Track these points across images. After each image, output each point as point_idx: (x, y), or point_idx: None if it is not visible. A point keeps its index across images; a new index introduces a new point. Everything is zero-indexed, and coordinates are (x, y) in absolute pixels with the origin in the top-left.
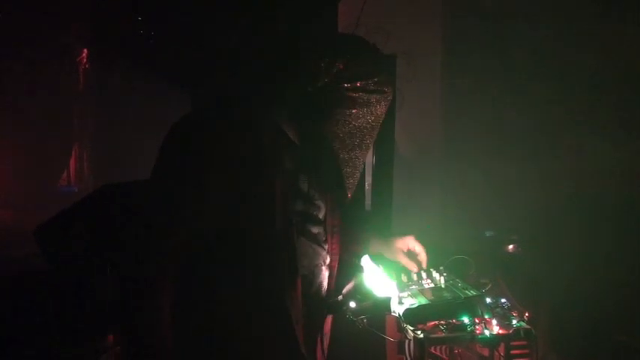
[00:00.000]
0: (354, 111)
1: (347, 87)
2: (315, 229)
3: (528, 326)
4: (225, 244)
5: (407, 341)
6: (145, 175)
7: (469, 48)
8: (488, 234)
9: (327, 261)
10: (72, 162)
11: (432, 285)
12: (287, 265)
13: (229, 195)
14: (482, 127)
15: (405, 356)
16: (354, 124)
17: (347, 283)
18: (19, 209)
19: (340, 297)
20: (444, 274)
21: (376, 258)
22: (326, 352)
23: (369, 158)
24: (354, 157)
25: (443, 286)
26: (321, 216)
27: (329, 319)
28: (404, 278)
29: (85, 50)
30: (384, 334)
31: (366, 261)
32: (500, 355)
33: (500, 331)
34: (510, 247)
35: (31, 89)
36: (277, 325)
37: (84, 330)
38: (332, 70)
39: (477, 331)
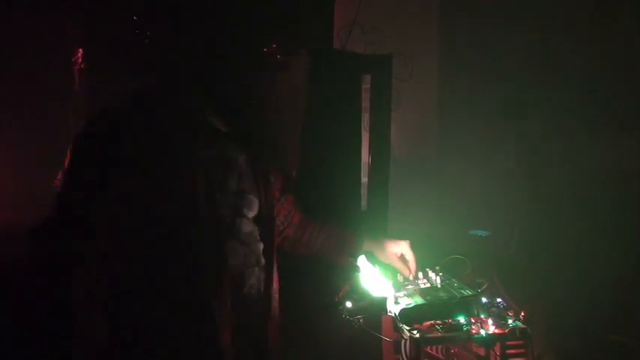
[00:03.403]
0: (274, 74)
1: (265, 51)
2: (246, 227)
3: (524, 326)
4: (147, 245)
5: (403, 341)
6: None
7: (466, 48)
8: (480, 233)
9: (263, 262)
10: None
11: (428, 285)
12: (213, 266)
13: (147, 195)
14: (478, 127)
15: (401, 356)
16: (278, 89)
17: (343, 283)
18: (16, 209)
19: (337, 297)
20: (440, 273)
21: (371, 257)
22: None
23: (365, 158)
24: (285, 125)
25: (439, 285)
26: (252, 213)
27: (272, 326)
28: (400, 278)
29: (81, 50)
30: (380, 334)
31: (362, 261)
32: (496, 354)
33: (496, 331)
34: (507, 246)
35: (28, 89)
36: (200, 330)
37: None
38: (245, 34)
39: (473, 331)
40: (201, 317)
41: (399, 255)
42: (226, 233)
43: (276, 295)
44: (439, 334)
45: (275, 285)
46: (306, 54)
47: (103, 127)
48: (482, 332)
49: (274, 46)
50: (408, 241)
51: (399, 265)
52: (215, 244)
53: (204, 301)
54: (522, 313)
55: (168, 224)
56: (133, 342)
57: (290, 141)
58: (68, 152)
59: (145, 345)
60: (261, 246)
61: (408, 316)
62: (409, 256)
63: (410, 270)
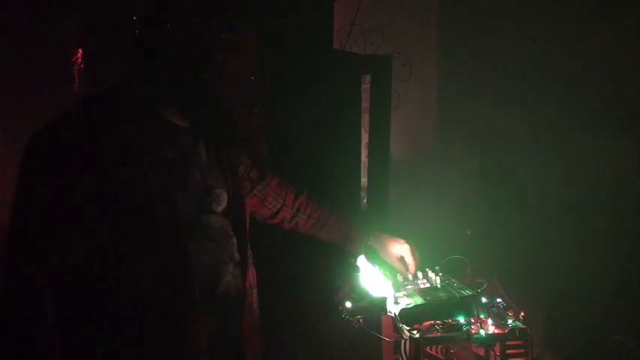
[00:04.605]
0: (220, 58)
1: (208, 32)
2: (215, 223)
3: (524, 326)
4: (108, 249)
5: (403, 341)
6: None
7: (465, 48)
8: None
9: (237, 257)
10: None
11: (428, 285)
12: (179, 267)
13: (106, 199)
14: (477, 127)
15: (401, 356)
16: (230, 73)
17: (343, 283)
18: None
19: (337, 297)
20: (440, 274)
21: (373, 254)
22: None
23: (365, 158)
24: (244, 111)
25: (439, 286)
26: (221, 207)
27: (249, 322)
28: (400, 278)
29: (81, 50)
30: (380, 334)
31: (362, 261)
32: (495, 354)
33: (496, 331)
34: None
35: (28, 89)
36: (168, 334)
37: None
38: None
39: (473, 331)
40: (168, 321)
41: (399, 256)
42: (193, 232)
43: (253, 291)
44: (439, 334)
45: (252, 280)
46: (253, 32)
47: (58, 131)
48: (482, 332)
49: (217, 25)
50: (410, 245)
51: (398, 266)
52: (180, 245)
53: (170, 304)
54: (522, 313)
55: (127, 227)
56: (97, 343)
57: (252, 125)
58: (24, 154)
59: (108, 351)
60: (235, 240)
61: (408, 316)
62: (409, 259)
63: (409, 272)
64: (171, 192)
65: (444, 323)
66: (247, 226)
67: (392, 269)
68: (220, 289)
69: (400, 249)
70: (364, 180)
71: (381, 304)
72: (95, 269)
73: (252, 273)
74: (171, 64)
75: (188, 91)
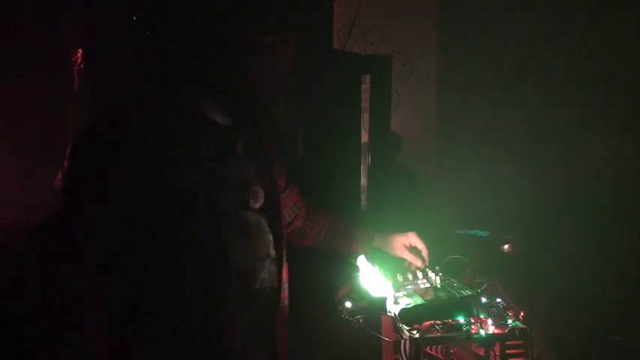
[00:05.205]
0: (261, 60)
1: (245, 34)
2: (253, 219)
3: (524, 326)
4: (148, 244)
5: (403, 341)
6: None
7: (465, 48)
8: (479, 233)
9: (273, 254)
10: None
11: (428, 285)
12: (218, 263)
13: (147, 195)
14: (477, 127)
15: (401, 356)
16: (270, 74)
17: (343, 283)
18: (16, 209)
19: (336, 297)
20: (440, 274)
21: (372, 256)
22: (283, 348)
23: (365, 158)
24: (282, 111)
25: (438, 286)
26: (258, 204)
27: (280, 319)
28: (400, 278)
29: (81, 50)
30: (380, 334)
31: (361, 261)
32: (495, 354)
33: (496, 331)
34: (506, 246)
35: (28, 89)
36: (203, 331)
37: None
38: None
39: (473, 331)
40: (204, 318)
41: (408, 246)
42: (232, 228)
43: (285, 286)
44: (439, 334)
45: (285, 277)
46: (294, 34)
47: (103, 127)
48: (482, 332)
49: (257, 27)
50: (415, 232)
51: (410, 256)
52: (219, 241)
53: (207, 301)
54: (522, 313)
55: (169, 223)
56: (134, 343)
57: (288, 127)
58: (68, 153)
59: (145, 346)
60: (270, 237)
61: (408, 316)
62: (420, 245)
63: (422, 260)
64: (210, 188)
65: (443, 323)
66: (283, 223)
67: (392, 269)
68: (256, 286)
69: (408, 238)
70: (364, 180)
71: (381, 304)
72: (129, 264)
73: (285, 269)
74: (216, 67)
75: (231, 92)
